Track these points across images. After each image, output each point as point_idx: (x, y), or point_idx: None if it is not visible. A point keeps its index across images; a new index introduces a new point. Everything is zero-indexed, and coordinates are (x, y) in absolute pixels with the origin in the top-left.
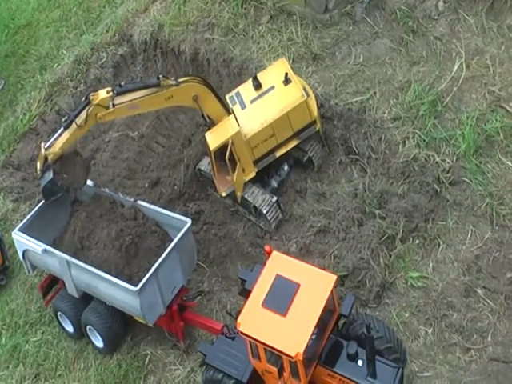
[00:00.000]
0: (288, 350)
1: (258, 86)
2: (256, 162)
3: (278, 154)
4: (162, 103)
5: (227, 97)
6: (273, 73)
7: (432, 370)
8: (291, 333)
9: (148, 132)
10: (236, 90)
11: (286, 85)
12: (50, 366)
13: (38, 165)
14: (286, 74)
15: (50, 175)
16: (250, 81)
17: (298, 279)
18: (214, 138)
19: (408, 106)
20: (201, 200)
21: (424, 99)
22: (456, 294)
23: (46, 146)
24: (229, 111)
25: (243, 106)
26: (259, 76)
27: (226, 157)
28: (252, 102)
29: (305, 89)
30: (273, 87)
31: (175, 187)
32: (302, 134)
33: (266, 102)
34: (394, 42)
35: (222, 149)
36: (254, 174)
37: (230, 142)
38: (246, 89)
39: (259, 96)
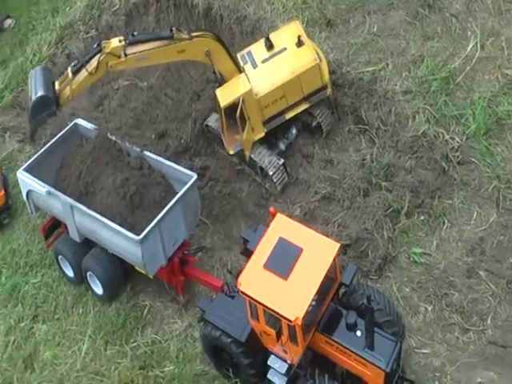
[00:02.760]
0: (287, 313)
1: (270, 46)
2: (265, 123)
3: (288, 116)
4: (174, 56)
5: (238, 55)
6: (286, 34)
7: (430, 347)
8: (291, 297)
9: (157, 83)
10: (248, 49)
11: (298, 47)
12: (48, 308)
13: None
14: (299, 36)
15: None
16: (263, 41)
17: (301, 244)
18: (224, 95)
19: (420, 80)
20: (207, 156)
21: (436, 75)
22: (458, 274)
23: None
24: (240, 70)
25: (254, 66)
26: (272, 37)
27: (237, 114)
28: (263, 61)
29: (317, 53)
30: (285, 49)
31: (182, 141)
32: (313, 97)
33: (277, 63)
34: (409, 14)
35: (232, 106)
36: (263, 134)
37: (241, 100)
38: (258, 48)
39: (271, 56)
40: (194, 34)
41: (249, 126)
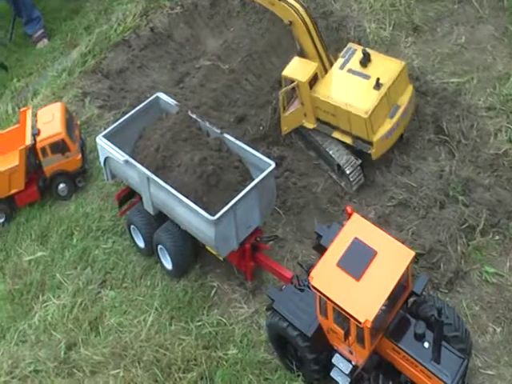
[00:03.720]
0: (358, 315)
1: (364, 63)
2: (318, 120)
3: (334, 135)
4: (267, 3)
5: (350, 44)
6: (383, 66)
7: (495, 369)
8: (363, 298)
9: (239, 67)
10: (352, 50)
11: (375, 87)
12: (117, 275)
13: None
14: (378, 79)
15: None
16: (361, 52)
17: (376, 247)
18: (292, 68)
19: (504, 98)
20: (284, 146)
21: None
22: None
23: None
24: (320, 56)
25: (342, 67)
26: (372, 57)
27: (283, 89)
28: (348, 71)
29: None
30: (368, 77)
31: (261, 128)
32: (357, 141)
33: (350, 83)
34: (497, 30)
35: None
36: (313, 126)
37: (296, 84)
38: (356, 57)
39: (355, 72)
40: None
41: (303, 108)
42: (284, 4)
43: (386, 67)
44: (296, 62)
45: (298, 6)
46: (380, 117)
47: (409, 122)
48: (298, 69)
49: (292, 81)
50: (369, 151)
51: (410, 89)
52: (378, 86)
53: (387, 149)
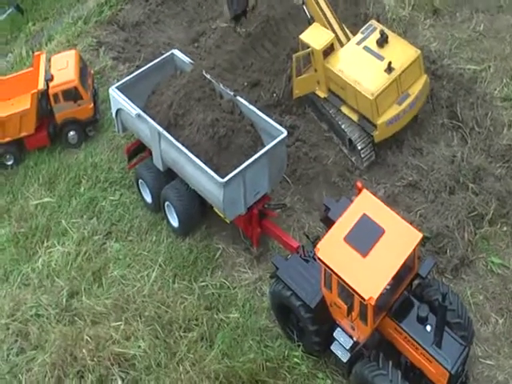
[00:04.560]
0: (363, 291)
1: (381, 44)
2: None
3: (343, 109)
4: None
5: (372, 21)
6: (399, 50)
7: (495, 359)
8: (368, 276)
9: (256, 32)
10: (372, 28)
11: (386, 70)
12: (122, 228)
13: None
14: (390, 63)
15: None
16: (379, 33)
17: (384, 225)
18: (310, 33)
19: None
20: (297, 116)
21: None
22: None
23: None
24: (336, 32)
25: (359, 43)
26: (390, 38)
27: (296, 54)
28: (364, 48)
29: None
30: (383, 58)
31: (274, 95)
32: (363, 121)
33: (364, 60)
34: None
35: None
36: (324, 95)
37: (311, 51)
38: (374, 36)
39: (370, 50)
40: None
41: (315, 75)
42: None
43: (401, 52)
44: (315, 28)
45: None
46: (387, 101)
47: (423, 105)
48: (315, 35)
49: (308, 46)
50: (372, 133)
51: (423, 79)
52: (389, 69)
53: (391, 134)
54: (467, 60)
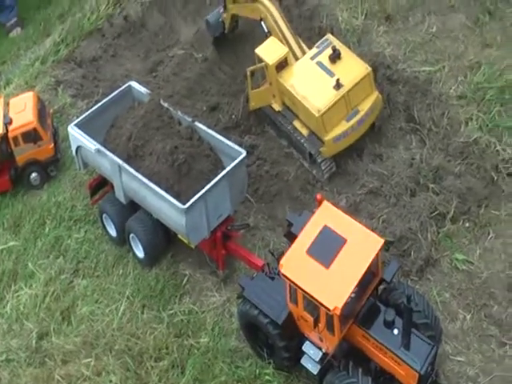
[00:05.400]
0: (327, 302)
1: (333, 59)
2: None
3: (295, 123)
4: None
5: (327, 35)
6: (350, 67)
7: (465, 355)
8: (332, 286)
9: (213, 57)
10: (328, 42)
11: (335, 86)
12: (89, 264)
13: None
14: (338, 80)
15: None
16: (331, 49)
17: (346, 234)
18: (265, 47)
19: (475, 87)
20: (256, 135)
21: (492, 84)
22: (499, 287)
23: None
24: (291, 47)
25: (313, 58)
26: (343, 55)
27: (250, 68)
28: (317, 63)
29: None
30: (333, 74)
31: (233, 116)
32: (311, 137)
33: (316, 77)
34: (469, 19)
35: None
36: (279, 108)
37: (264, 65)
38: (328, 51)
39: (323, 67)
40: None
41: (270, 89)
42: (257, 4)
43: (351, 69)
44: (271, 42)
45: (267, 3)
46: (335, 118)
47: (380, 112)
48: (270, 50)
49: (262, 60)
50: (320, 149)
51: (374, 95)
52: (338, 86)
53: (340, 150)
54: (422, 62)
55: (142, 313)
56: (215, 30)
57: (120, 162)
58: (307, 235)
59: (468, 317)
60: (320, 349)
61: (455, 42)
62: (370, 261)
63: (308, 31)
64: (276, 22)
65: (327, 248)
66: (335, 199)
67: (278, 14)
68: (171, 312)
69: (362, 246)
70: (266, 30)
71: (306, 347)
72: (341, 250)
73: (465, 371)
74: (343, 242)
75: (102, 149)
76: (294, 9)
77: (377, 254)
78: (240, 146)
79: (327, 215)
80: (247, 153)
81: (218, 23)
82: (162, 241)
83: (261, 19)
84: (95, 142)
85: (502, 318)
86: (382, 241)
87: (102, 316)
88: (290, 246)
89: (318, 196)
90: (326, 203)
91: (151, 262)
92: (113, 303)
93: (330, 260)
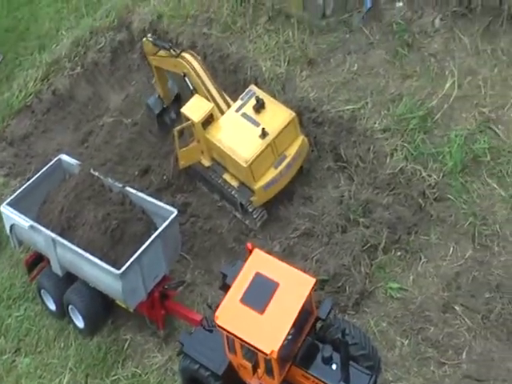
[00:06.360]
0: (263, 347)
1: (257, 109)
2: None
3: (224, 176)
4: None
5: (251, 86)
6: (274, 114)
7: (406, 381)
8: (267, 330)
9: (142, 120)
10: (252, 93)
11: (261, 135)
12: (30, 341)
13: None
14: (263, 129)
15: None
16: (255, 100)
17: (278, 278)
18: (190, 106)
19: (398, 118)
20: (188, 192)
21: (415, 113)
22: (434, 309)
23: None
24: (216, 101)
25: (238, 110)
26: (266, 104)
27: (177, 128)
28: (242, 115)
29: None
30: (258, 124)
31: (164, 177)
32: (240, 186)
33: (242, 128)
34: (388, 54)
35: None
36: (208, 164)
37: (191, 123)
38: (252, 102)
39: (248, 118)
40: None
41: (199, 146)
42: (179, 59)
43: (275, 116)
44: (196, 99)
45: (190, 58)
46: (263, 166)
47: (307, 155)
48: (195, 107)
49: (188, 119)
50: (251, 198)
51: (300, 140)
52: (263, 134)
53: (271, 197)
54: (345, 101)
55: (86, 382)
56: (156, 108)
57: (53, 235)
58: (240, 284)
59: (406, 342)
60: None
61: (376, 77)
62: (304, 301)
63: (233, 85)
64: (199, 77)
65: (260, 294)
66: (269, 246)
67: (201, 69)
68: (114, 378)
69: (294, 287)
70: (190, 87)
71: None
72: (274, 294)
73: None
74: (276, 286)
75: (35, 224)
76: (219, 64)
77: (310, 294)
78: (172, 205)
79: (258, 262)
80: (180, 211)
81: (156, 101)
82: (101, 309)
83: (184, 75)
84: (28, 219)
85: (439, 340)
86: (313, 280)
87: None
88: (224, 297)
89: (249, 245)
90: (256, 251)
91: (92, 331)
92: (56, 377)
93: (263, 305)
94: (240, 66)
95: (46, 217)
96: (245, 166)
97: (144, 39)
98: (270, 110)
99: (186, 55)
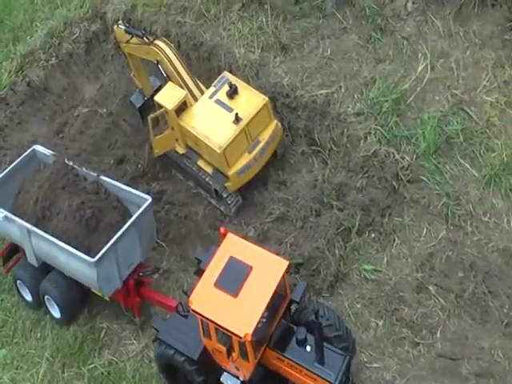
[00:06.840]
0: (237, 330)
1: (231, 95)
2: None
3: (200, 163)
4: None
5: (224, 73)
6: (247, 100)
7: (381, 361)
8: (241, 314)
9: (117, 110)
10: (225, 80)
11: (235, 120)
12: (7, 333)
13: None
14: (237, 114)
15: None
16: (228, 86)
17: (251, 262)
18: (163, 94)
19: (372, 102)
20: (164, 180)
21: (388, 97)
22: (408, 290)
23: None
24: (190, 89)
25: (211, 96)
26: (240, 89)
27: (150, 115)
28: (216, 101)
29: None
30: (232, 110)
31: (139, 166)
32: (214, 172)
33: (216, 114)
34: (361, 38)
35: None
36: (183, 151)
37: (164, 111)
38: (225, 88)
39: (222, 104)
40: (152, 40)
41: (173, 133)
42: (152, 46)
43: (248, 102)
44: (169, 87)
45: (163, 45)
46: (236, 151)
47: (281, 140)
48: (168, 95)
49: (161, 107)
50: (225, 184)
51: (273, 124)
52: (237, 120)
53: (245, 182)
54: (319, 86)
55: (63, 372)
56: (137, 102)
57: (28, 225)
58: (214, 268)
59: (380, 323)
60: (237, 378)
61: (350, 61)
62: (276, 284)
63: (208, 72)
64: (173, 64)
65: (234, 278)
66: (244, 231)
67: (174, 56)
68: (91, 366)
69: (267, 270)
70: (164, 75)
71: (224, 378)
72: (247, 277)
73: (382, 376)
74: (249, 269)
75: (10, 215)
76: (193, 52)
77: (283, 276)
78: (148, 193)
79: (232, 246)
80: (155, 199)
81: (138, 95)
82: (77, 298)
83: (157, 62)
84: (2, 210)
85: (413, 320)
86: (286, 263)
87: (24, 381)
88: (197, 282)
89: (222, 229)
90: (230, 235)
91: (68, 321)
92: (33, 367)
93: (237, 289)
94: (214, 54)
95: (21, 207)
96: (219, 151)
97: (115, 26)
98: (243, 95)
99: (160, 43)
